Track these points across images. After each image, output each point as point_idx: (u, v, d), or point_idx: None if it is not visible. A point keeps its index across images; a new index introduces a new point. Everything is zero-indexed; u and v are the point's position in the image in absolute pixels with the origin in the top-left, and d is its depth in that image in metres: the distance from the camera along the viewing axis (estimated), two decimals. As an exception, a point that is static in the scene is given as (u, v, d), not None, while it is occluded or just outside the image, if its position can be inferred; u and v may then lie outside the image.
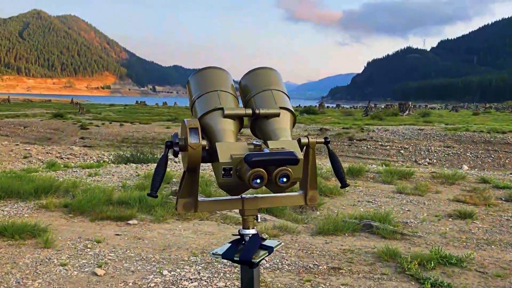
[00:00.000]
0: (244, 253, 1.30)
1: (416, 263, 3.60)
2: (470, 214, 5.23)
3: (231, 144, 1.28)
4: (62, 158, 17.06)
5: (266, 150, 1.22)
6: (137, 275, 3.44)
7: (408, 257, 3.69)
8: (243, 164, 1.17)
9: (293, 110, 1.48)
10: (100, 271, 3.45)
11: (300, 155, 1.27)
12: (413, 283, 3.34)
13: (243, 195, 1.40)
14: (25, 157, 16.71)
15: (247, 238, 1.37)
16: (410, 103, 37.91)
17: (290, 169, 1.15)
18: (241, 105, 1.54)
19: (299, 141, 1.38)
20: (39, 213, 5.16)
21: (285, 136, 1.38)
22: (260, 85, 1.51)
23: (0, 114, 33.55)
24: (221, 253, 1.31)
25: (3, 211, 5.25)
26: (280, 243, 1.43)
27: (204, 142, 1.26)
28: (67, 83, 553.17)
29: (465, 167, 15.18)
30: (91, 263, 3.65)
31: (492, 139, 18.42)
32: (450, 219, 5.22)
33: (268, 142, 1.33)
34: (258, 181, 1.14)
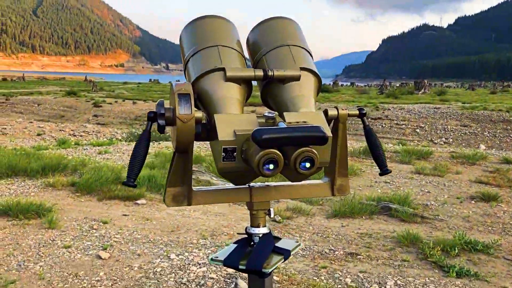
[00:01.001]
0: (253, 259, 1.04)
1: (439, 249, 3.37)
2: (494, 197, 4.96)
3: (235, 117, 1.01)
4: (75, 136, 17.05)
5: (282, 125, 0.95)
6: (143, 258, 3.27)
7: (430, 243, 3.46)
8: (250, 143, 0.92)
9: (317, 72, 1.17)
10: (104, 254, 3.29)
11: (328, 131, 1.01)
12: (436, 271, 3.12)
13: (252, 184, 1.14)
14: (38, 135, 16.71)
15: (256, 239, 1.11)
16: (425, 81, 37.10)
17: (315, 151, 0.89)
18: (250, 67, 1.23)
19: (325, 113, 1.11)
20: (46, 192, 5.02)
21: (307, 106, 1.09)
22: (275, 40, 1.19)
23: (15, 92, 33.65)
24: (222, 258, 1.06)
25: (10, 189, 5.12)
26: (299, 244, 1.17)
27: (199, 114, 1.00)
28: (81, 61, 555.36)
29: (483, 146, 14.76)
30: (96, 246, 3.49)
31: (511, 118, 17.90)
32: (473, 202, 4.97)
33: (285, 114, 1.05)
34: (271, 166, 0.88)
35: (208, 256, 3.29)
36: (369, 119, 18.86)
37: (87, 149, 8.38)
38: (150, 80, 72.89)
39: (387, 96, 28.51)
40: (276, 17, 1.25)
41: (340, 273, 3.06)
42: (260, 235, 1.10)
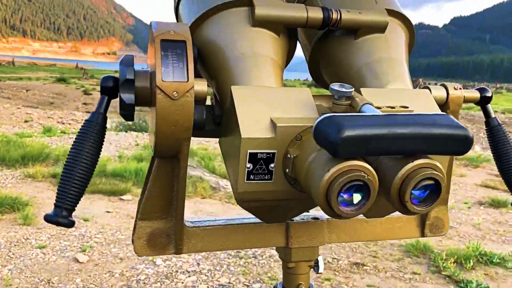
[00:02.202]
0: None
1: (453, 261, 3.08)
2: (504, 203, 4.67)
3: (272, 93, 0.61)
4: (63, 124, 16.54)
5: (373, 110, 0.57)
6: (126, 263, 2.93)
7: (443, 253, 3.17)
8: (308, 145, 0.55)
9: (410, 20, 0.77)
10: (82, 257, 2.95)
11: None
12: (451, 287, 2.81)
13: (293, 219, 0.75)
14: (25, 121, 16.18)
15: None
16: (421, 80, 36.89)
17: (440, 166, 0.52)
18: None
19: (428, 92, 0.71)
20: (24, 184, 4.65)
21: (399, 79, 0.70)
22: None
23: (3, 76, 32.90)
24: None
25: (-15, 179, 4.75)
26: None
27: (201, 85, 0.62)
28: (73, 48, 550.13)
29: (478, 148, 14.56)
30: (74, 246, 3.14)
31: (507, 120, 17.72)
32: (482, 207, 4.68)
33: (363, 91, 0.65)
34: (357, 197, 0.50)
35: (199, 264, 2.96)
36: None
37: (72, 138, 7.98)
38: (142, 69, 72.01)
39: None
40: None
41: (346, 287, 2.74)
42: None
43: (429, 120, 0.51)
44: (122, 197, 4.33)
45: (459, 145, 0.51)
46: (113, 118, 19.16)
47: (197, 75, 0.64)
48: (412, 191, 0.51)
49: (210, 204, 4.33)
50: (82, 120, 17.59)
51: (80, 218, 3.67)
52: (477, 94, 0.79)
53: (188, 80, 0.58)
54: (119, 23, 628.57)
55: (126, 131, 10.29)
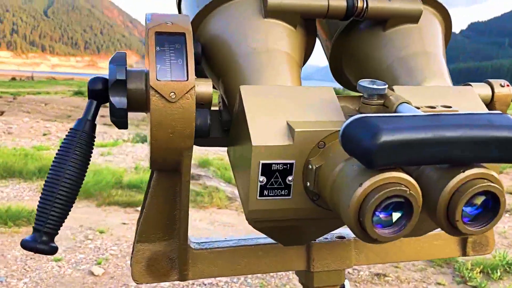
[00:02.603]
0: None
1: (479, 271, 2.96)
2: (530, 210, 4.53)
3: (288, 92, 0.53)
4: (81, 136, 16.75)
5: (413, 110, 0.49)
6: (142, 276, 2.89)
7: (468, 263, 3.05)
8: (333, 153, 0.47)
9: (447, 9, 0.68)
10: (98, 270, 2.91)
11: None
12: (479, 298, 2.70)
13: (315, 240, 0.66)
14: (44, 134, 16.42)
15: None
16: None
17: (497, 177, 0.44)
18: None
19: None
20: (41, 196, 4.66)
21: (438, 75, 0.61)
22: None
23: (23, 91, 33.52)
24: None
25: (2, 192, 4.77)
26: None
27: (205, 86, 0.54)
28: (90, 62, 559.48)
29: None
30: (90, 259, 3.11)
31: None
32: (507, 215, 4.53)
33: (396, 88, 0.57)
34: (395, 216, 0.42)
35: (215, 275, 2.90)
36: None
37: (89, 150, 8.04)
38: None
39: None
40: None
41: (368, 299, 2.65)
42: None
43: (484, 121, 0.42)
44: (138, 208, 4.30)
45: None
46: (130, 130, 19.33)
47: (202, 76, 0.57)
48: (464, 208, 0.43)
49: (226, 214, 4.28)
50: (99, 132, 17.77)
51: (96, 230, 3.64)
52: None
53: (188, 79, 0.50)
54: (135, 37, 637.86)
55: (142, 142, 10.33)
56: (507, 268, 3.04)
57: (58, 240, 2.67)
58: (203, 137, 0.55)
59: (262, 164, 0.48)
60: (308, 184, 0.49)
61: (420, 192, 0.42)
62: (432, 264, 3.16)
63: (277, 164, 0.48)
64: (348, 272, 3.00)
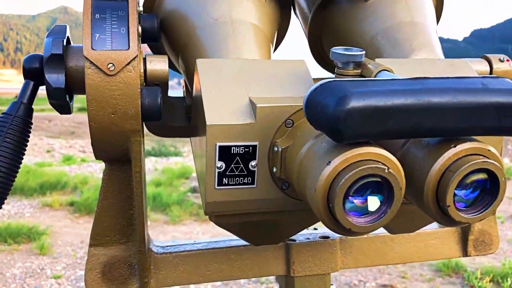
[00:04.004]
0: None
1: (488, 280, 2.88)
2: (538, 216, 4.44)
3: (252, 65, 0.46)
4: (85, 152, 16.74)
5: (392, 75, 0.42)
6: (143, 292, 2.82)
7: (477, 272, 2.97)
8: (304, 130, 0.40)
9: None
10: (98, 287, 2.85)
11: None
12: (489, 308, 2.62)
13: (291, 238, 0.58)
14: (48, 151, 16.43)
15: None
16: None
17: (496, 152, 0.37)
18: None
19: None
20: (42, 213, 4.62)
21: (427, 47, 0.55)
22: None
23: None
24: None
25: (3, 209, 4.72)
26: None
27: (158, 62, 0.47)
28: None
29: (506, 160, 14.17)
30: (90, 276, 3.05)
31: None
32: (516, 222, 4.45)
33: (377, 59, 0.49)
34: (374, 202, 0.33)
35: (217, 290, 2.83)
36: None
37: (91, 165, 8.00)
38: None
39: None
40: None
41: (375, 311, 2.58)
42: None
43: (477, 84, 0.34)
44: (139, 223, 4.26)
45: None
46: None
47: (160, 51, 0.50)
48: (456, 191, 0.36)
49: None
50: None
51: (97, 246, 3.60)
52: None
53: (128, 47, 0.42)
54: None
55: (145, 157, 10.30)
56: (518, 277, 2.96)
57: (58, 258, 2.60)
58: (155, 120, 0.47)
59: (219, 146, 0.41)
60: (275, 169, 0.42)
61: (403, 171, 0.35)
62: (441, 274, 3.08)
63: (237, 146, 0.41)
64: (354, 284, 2.92)
